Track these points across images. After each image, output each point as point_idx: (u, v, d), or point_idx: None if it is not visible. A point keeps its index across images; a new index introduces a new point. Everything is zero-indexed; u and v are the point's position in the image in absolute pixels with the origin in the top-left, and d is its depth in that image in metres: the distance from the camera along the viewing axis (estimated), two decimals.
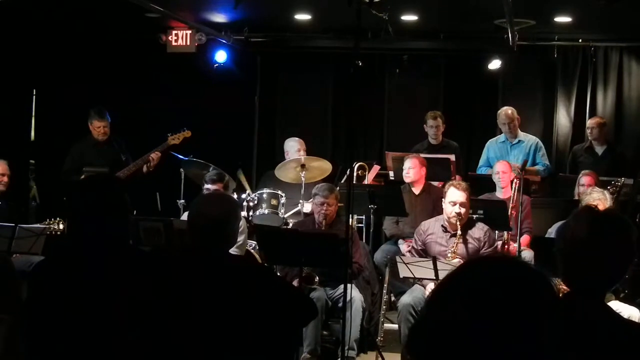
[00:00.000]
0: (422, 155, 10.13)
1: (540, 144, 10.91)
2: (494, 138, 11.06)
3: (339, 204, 8.47)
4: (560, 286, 6.61)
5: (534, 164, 10.64)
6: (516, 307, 1.87)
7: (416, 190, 9.71)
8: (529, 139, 10.84)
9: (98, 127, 10.11)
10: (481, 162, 10.96)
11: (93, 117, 10.12)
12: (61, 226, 8.50)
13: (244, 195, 9.64)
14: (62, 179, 10.09)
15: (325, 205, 8.23)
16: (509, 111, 10.75)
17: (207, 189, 8.26)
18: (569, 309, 2.93)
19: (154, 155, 9.97)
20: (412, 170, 9.65)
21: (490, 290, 1.90)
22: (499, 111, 10.91)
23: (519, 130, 10.86)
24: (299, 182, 9.58)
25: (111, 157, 10.09)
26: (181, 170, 10.08)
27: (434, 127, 10.93)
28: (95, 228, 4.12)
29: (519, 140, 10.77)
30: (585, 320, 2.92)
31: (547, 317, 1.90)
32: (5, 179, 9.14)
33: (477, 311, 1.87)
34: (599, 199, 7.49)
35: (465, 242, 7.87)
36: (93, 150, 10.18)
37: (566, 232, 3.06)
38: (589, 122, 11.02)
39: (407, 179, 9.71)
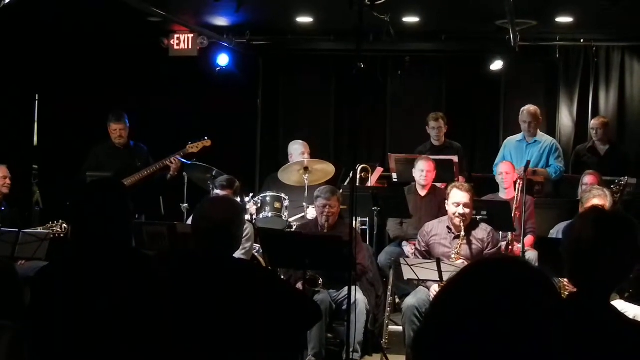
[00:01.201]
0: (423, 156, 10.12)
1: (557, 145, 10.79)
2: (513, 136, 10.94)
3: (341, 206, 8.47)
4: (563, 284, 6.58)
5: (547, 165, 10.59)
6: (519, 308, 1.87)
7: (422, 192, 9.71)
8: (545, 140, 10.73)
9: (114, 130, 10.16)
10: (498, 159, 10.82)
11: (110, 120, 10.19)
12: (64, 228, 8.50)
13: (247, 199, 9.64)
14: (78, 179, 10.06)
15: (327, 207, 8.23)
16: (532, 108, 10.63)
17: (216, 194, 8.23)
18: (574, 309, 2.93)
19: (174, 160, 9.94)
20: (429, 173, 9.63)
21: (493, 291, 1.90)
22: (522, 108, 10.80)
23: (538, 130, 10.78)
24: (302, 185, 9.58)
25: (125, 162, 10.10)
26: (184, 174, 10.08)
27: (436, 129, 10.91)
28: (98, 232, 4.13)
29: (535, 140, 10.68)
30: (591, 320, 2.92)
31: (550, 317, 1.90)
32: (8, 181, 9.14)
33: (480, 313, 1.87)
34: (599, 195, 7.48)
35: (469, 243, 7.86)
36: (110, 153, 10.22)
37: (572, 232, 3.06)
38: (593, 123, 10.98)
39: (423, 181, 9.65)
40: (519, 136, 10.81)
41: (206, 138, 10.10)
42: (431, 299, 7.54)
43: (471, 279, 1.97)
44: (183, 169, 10.07)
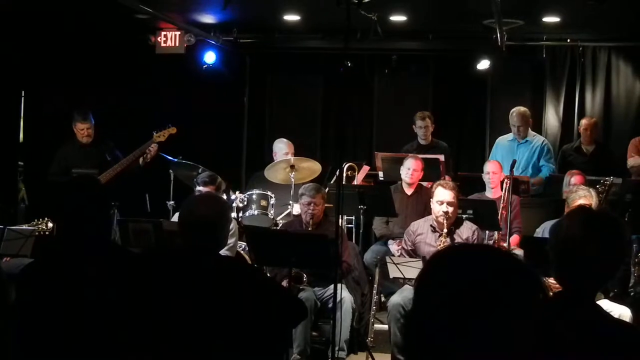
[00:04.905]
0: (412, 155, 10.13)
1: (549, 145, 10.82)
2: (504, 136, 10.97)
3: (327, 205, 8.47)
4: (549, 283, 6.62)
5: (537, 165, 10.62)
6: (499, 294, 1.88)
7: (408, 191, 9.71)
8: (537, 139, 10.75)
9: (81, 129, 10.10)
10: (490, 158, 10.84)
11: (76, 120, 10.12)
12: (49, 225, 8.47)
13: (233, 197, 9.63)
14: (48, 181, 10.06)
15: (312, 205, 8.23)
16: (521, 111, 10.60)
17: (199, 191, 8.25)
18: (560, 308, 2.93)
19: (152, 148, 9.91)
20: (415, 172, 9.62)
21: (478, 278, 1.90)
22: (512, 110, 10.80)
23: (530, 130, 10.80)
24: (288, 183, 9.58)
25: (96, 159, 10.06)
26: (170, 171, 10.06)
27: (423, 128, 10.92)
28: (78, 230, 4.13)
29: (527, 140, 10.71)
30: (576, 319, 2.92)
31: (530, 303, 1.91)
32: None
33: (461, 299, 1.87)
34: (584, 195, 7.49)
35: (452, 241, 7.88)
36: (78, 153, 10.16)
37: (559, 231, 3.06)
38: (585, 123, 10.98)
39: (408, 179, 9.66)
40: (510, 136, 10.83)
41: (170, 125, 10.07)
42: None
43: (451, 266, 1.98)
44: (169, 166, 10.05)
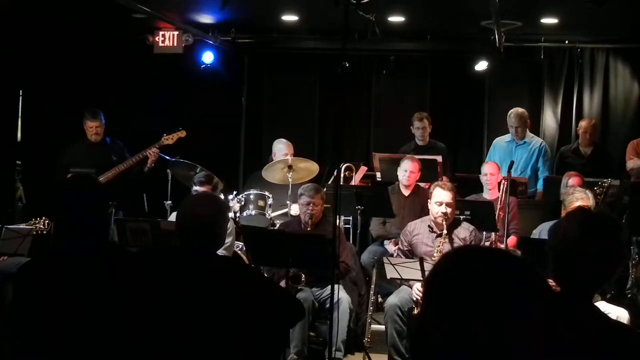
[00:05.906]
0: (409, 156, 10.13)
1: (546, 148, 10.83)
2: (501, 137, 10.98)
3: (325, 205, 8.47)
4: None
5: (536, 167, 10.64)
6: (508, 294, 1.88)
7: (405, 192, 9.71)
8: (535, 141, 10.77)
9: (90, 128, 10.16)
10: (487, 159, 10.84)
11: (86, 118, 10.20)
12: (47, 225, 8.47)
13: (230, 196, 9.63)
14: (56, 177, 10.07)
15: (311, 205, 8.23)
16: (519, 112, 10.63)
17: (196, 190, 8.25)
18: (557, 309, 2.93)
19: (151, 152, 9.96)
20: (412, 174, 9.63)
21: (484, 280, 1.90)
22: (510, 111, 10.82)
23: (527, 131, 10.81)
24: (286, 183, 9.58)
25: (101, 158, 10.10)
26: (168, 171, 10.06)
27: (420, 129, 10.91)
28: (76, 229, 4.13)
29: (525, 142, 10.72)
30: (574, 320, 2.92)
31: (537, 300, 1.91)
32: None
33: (473, 302, 1.87)
34: (581, 197, 7.49)
35: (451, 242, 7.88)
36: (85, 151, 10.20)
37: (558, 232, 3.07)
38: (584, 125, 10.94)
39: (405, 181, 9.66)
40: (507, 137, 10.84)
41: (180, 129, 10.11)
42: (414, 298, 7.58)
43: (457, 271, 1.97)
44: (167, 166, 10.05)
